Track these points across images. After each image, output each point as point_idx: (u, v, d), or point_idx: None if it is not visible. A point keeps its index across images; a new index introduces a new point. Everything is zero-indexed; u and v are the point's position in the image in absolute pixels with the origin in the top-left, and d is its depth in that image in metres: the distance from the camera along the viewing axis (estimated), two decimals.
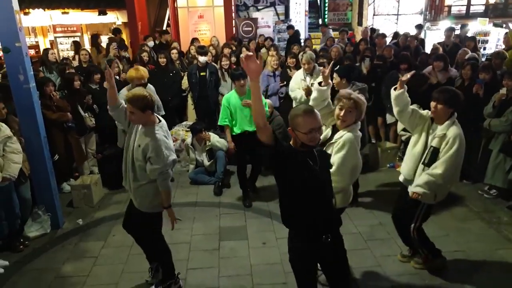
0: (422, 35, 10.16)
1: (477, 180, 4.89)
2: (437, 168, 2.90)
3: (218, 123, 4.75)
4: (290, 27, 10.24)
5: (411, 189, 3.03)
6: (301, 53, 5.78)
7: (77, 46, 7.84)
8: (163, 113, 4.86)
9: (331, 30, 10.62)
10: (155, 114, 2.95)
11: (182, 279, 3.37)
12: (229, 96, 4.56)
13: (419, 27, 9.28)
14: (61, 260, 3.74)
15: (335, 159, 2.77)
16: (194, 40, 8.32)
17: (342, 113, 2.78)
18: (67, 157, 5.00)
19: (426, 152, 2.98)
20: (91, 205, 4.74)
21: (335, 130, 2.94)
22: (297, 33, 9.97)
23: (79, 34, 11.04)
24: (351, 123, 2.82)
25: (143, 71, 4.83)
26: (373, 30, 7.89)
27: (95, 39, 8.54)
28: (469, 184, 4.96)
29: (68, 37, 10.84)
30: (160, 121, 2.95)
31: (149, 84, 4.90)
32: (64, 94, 5.10)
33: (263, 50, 8.17)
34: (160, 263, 3.23)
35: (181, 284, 3.26)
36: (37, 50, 10.81)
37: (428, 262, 3.33)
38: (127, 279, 3.42)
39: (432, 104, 2.96)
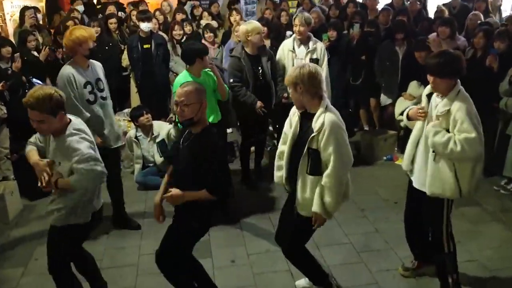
0: None
1: (493, 173, 5.06)
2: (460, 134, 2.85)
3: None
4: None
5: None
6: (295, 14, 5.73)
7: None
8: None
9: None
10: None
11: None
12: (181, 80, 4.09)
13: None
14: None
15: (326, 154, 2.84)
16: (139, 3, 8.14)
17: (290, 93, 3.01)
18: None
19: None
20: (5, 221, 4.61)
21: (304, 118, 2.99)
22: None
23: None
24: (309, 101, 2.91)
25: (89, 29, 4.24)
26: None
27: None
28: (483, 178, 5.09)
29: None
30: (70, 120, 2.87)
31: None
32: None
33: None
34: None
35: None
36: None
37: None
38: None
39: (429, 77, 2.97)
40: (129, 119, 5.83)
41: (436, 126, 2.91)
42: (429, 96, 3.11)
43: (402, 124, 5.58)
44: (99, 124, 3.96)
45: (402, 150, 5.60)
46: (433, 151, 2.96)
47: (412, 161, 3.22)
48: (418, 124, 3.16)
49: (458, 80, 2.98)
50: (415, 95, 5.18)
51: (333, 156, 2.82)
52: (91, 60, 4.04)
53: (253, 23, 4.98)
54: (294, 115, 3.07)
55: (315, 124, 2.85)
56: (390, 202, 4.71)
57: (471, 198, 3.32)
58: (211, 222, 3.20)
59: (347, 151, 2.92)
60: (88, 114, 3.83)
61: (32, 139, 3.03)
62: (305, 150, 2.90)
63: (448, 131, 2.91)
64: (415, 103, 5.18)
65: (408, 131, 5.21)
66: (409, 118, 3.20)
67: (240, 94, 4.80)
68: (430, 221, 3.18)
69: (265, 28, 5.92)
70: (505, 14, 8.35)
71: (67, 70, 3.86)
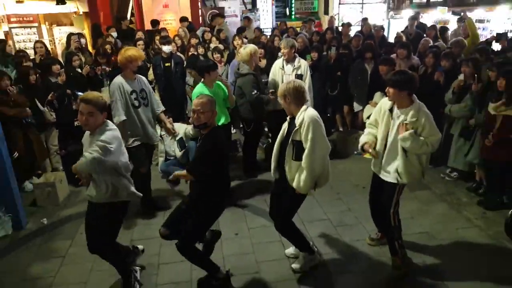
0: (385, 24, 10.40)
1: (440, 164, 5.10)
2: (430, 137, 2.96)
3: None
4: (246, 18, 10.18)
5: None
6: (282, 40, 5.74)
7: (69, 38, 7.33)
8: (163, 108, 4.39)
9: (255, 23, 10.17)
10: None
11: (153, 274, 3.35)
12: (199, 92, 4.24)
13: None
14: (25, 261, 3.61)
15: (306, 141, 2.89)
16: (161, 30, 8.13)
17: (281, 103, 3.04)
18: (28, 155, 4.80)
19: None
20: (56, 203, 4.58)
21: (291, 122, 3.05)
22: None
23: (36, 24, 10.47)
24: (295, 109, 2.99)
25: (139, 50, 4.33)
26: (349, 24, 7.94)
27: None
28: (432, 168, 5.15)
29: (24, 27, 10.29)
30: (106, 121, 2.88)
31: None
32: (21, 89, 4.86)
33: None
34: None
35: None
36: None
37: (403, 266, 3.22)
38: (97, 277, 3.36)
39: (389, 89, 3.00)
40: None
41: (412, 135, 2.94)
42: (390, 110, 3.11)
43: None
44: (142, 124, 4.01)
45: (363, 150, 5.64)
46: (405, 151, 3.01)
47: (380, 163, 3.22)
48: (381, 135, 3.16)
49: (414, 95, 3.01)
50: (378, 102, 5.20)
51: (310, 142, 2.88)
52: (137, 75, 4.07)
53: (253, 46, 4.99)
54: (285, 123, 3.14)
55: (297, 121, 2.94)
56: (359, 187, 4.74)
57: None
58: (221, 211, 3.15)
59: (322, 140, 2.94)
60: (124, 117, 3.85)
61: None
62: (289, 141, 2.98)
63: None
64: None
65: None
66: (363, 149, 3.28)
67: (263, 99, 4.86)
68: (385, 202, 3.20)
69: (262, 50, 5.96)
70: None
71: (118, 79, 3.92)
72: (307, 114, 2.91)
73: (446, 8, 9.07)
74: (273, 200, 3.34)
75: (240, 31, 8.01)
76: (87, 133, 2.90)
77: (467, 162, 4.59)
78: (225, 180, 3.11)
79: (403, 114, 2.99)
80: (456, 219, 4.06)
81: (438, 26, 7.83)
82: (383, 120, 3.15)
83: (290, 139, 2.98)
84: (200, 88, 4.38)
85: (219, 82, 4.51)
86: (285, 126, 3.12)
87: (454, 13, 8.49)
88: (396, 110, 3.07)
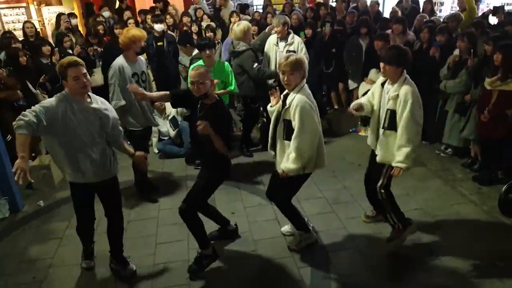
0: None
1: (435, 141, 5.09)
2: (401, 137, 2.86)
3: None
4: None
5: (395, 164, 2.95)
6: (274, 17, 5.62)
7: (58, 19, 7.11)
8: (154, 89, 4.45)
9: None
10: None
11: (151, 254, 3.36)
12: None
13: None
14: (23, 243, 3.60)
15: (294, 123, 2.85)
16: (154, 8, 7.90)
17: (285, 77, 2.89)
18: None
19: (384, 116, 2.99)
20: (52, 185, 4.56)
21: (285, 98, 3.00)
22: None
23: (24, 4, 10.17)
24: (298, 84, 2.89)
25: (142, 30, 3.99)
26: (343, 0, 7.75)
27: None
28: (427, 145, 5.16)
29: (13, 8, 10.00)
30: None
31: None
32: (11, 71, 4.74)
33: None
34: None
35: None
36: None
37: (399, 234, 3.23)
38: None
39: (381, 64, 2.94)
40: None
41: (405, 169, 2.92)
42: (382, 84, 3.08)
43: None
44: (142, 108, 3.85)
45: (364, 124, 5.62)
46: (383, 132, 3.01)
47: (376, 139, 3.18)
48: (375, 110, 3.13)
49: (405, 70, 2.94)
50: (374, 80, 5.11)
51: (298, 124, 2.83)
52: (138, 56, 3.88)
53: (247, 23, 4.88)
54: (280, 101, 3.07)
55: (288, 101, 2.90)
56: (355, 165, 4.74)
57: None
58: (229, 174, 3.21)
59: (311, 123, 2.86)
60: (123, 102, 3.69)
61: None
62: (280, 120, 2.95)
63: (394, 110, 2.89)
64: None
65: None
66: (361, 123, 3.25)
67: (266, 72, 4.77)
68: (375, 177, 3.20)
69: (256, 28, 5.83)
70: (445, 13, 8.25)
71: (119, 61, 3.70)
72: (297, 96, 2.85)
73: None
74: (273, 180, 3.31)
75: (245, 8, 7.82)
76: None
77: (462, 138, 4.58)
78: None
79: (391, 88, 2.94)
80: (451, 195, 4.07)
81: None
82: (377, 95, 3.11)
83: (281, 118, 2.94)
84: (195, 65, 4.21)
85: (225, 64, 4.44)
86: (279, 103, 3.06)
87: None
88: (386, 85, 3.03)
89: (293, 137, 2.87)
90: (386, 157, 3.04)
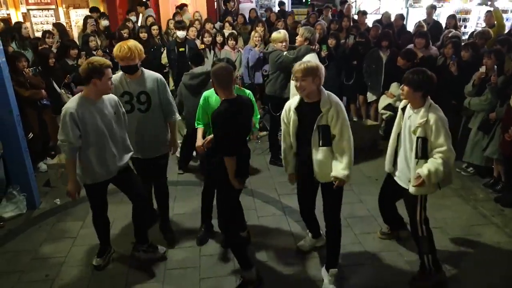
0: (404, 13, 10.06)
1: (456, 159, 4.93)
2: (438, 157, 2.69)
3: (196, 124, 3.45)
4: (282, 3, 10.06)
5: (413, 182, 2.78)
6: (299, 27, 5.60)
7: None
8: (177, 118, 3.44)
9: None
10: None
11: (162, 259, 3.33)
12: (209, 96, 3.33)
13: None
14: (38, 241, 3.63)
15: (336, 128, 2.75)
16: (176, 14, 8.02)
17: (297, 83, 2.74)
18: (43, 136, 4.81)
19: (415, 145, 2.78)
20: None
21: (303, 107, 2.87)
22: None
23: (53, 6, 10.47)
24: (314, 90, 2.75)
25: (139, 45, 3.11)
26: (364, 12, 7.69)
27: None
28: None
29: (42, 9, 10.30)
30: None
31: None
32: (38, 71, 4.86)
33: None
34: None
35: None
36: (9, 23, 10.24)
37: (429, 280, 2.95)
38: None
39: (404, 87, 2.80)
40: None
41: (425, 180, 2.70)
42: (403, 109, 2.96)
43: (384, 116, 5.53)
44: (131, 133, 3.13)
45: (382, 137, 5.52)
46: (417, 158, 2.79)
47: (394, 164, 3.08)
48: (393, 135, 3.03)
49: (429, 97, 2.79)
50: (395, 93, 5.05)
51: (343, 127, 2.74)
52: (148, 72, 3.19)
53: (286, 33, 4.91)
54: (289, 111, 2.89)
55: (323, 106, 2.73)
56: (372, 179, 4.63)
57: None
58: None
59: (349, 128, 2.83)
60: None
61: None
62: (314, 128, 2.76)
63: (425, 138, 2.73)
64: (394, 101, 5.09)
65: (388, 122, 5.16)
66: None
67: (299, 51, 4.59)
68: (408, 210, 3.01)
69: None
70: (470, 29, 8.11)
71: (116, 76, 3.10)
72: (333, 98, 2.78)
73: None
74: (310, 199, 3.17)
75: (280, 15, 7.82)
76: None
77: (484, 157, 4.42)
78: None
79: (415, 114, 2.79)
80: (472, 215, 3.93)
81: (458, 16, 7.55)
82: (397, 119, 3.02)
83: (315, 125, 2.76)
84: (209, 92, 3.34)
85: (245, 91, 3.53)
86: (294, 114, 2.86)
87: (480, 3, 8.18)
88: (408, 110, 2.89)
89: (344, 138, 2.76)
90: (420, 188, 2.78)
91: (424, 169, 2.71)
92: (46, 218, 4.01)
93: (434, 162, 2.70)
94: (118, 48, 2.98)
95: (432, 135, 2.70)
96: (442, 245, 3.43)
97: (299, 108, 2.84)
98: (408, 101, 2.88)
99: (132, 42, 3.06)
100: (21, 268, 3.27)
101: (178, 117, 3.41)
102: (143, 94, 3.12)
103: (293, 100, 2.92)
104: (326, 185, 2.93)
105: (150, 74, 3.19)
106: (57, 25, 6.99)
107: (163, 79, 3.28)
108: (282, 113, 2.95)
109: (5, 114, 3.82)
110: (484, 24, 7.28)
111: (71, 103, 2.75)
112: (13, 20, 8.72)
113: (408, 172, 2.88)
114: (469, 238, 3.55)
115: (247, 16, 8.46)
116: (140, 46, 3.05)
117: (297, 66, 2.77)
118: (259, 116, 3.85)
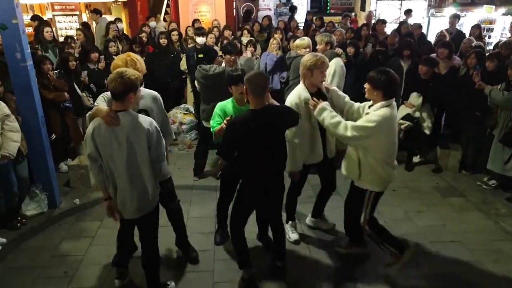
0: (425, 22, 10.03)
1: (477, 171, 4.88)
2: (349, 126, 2.91)
3: (211, 130, 3.42)
4: (293, 8, 10.14)
5: None
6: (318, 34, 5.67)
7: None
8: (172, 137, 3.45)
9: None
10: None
11: (176, 262, 3.41)
12: (225, 105, 3.39)
13: (408, 11, 9.20)
14: (58, 239, 3.76)
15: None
16: (195, 21, 8.20)
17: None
18: (64, 137, 4.98)
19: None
20: (88, 185, 4.73)
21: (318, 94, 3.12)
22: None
23: (77, 12, 10.84)
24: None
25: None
26: (383, 21, 7.72)
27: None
28: (468, 175, 4.95)
29: (67, 15, 10.67)
30: None
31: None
32: (61, 74, 5.04)
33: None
34: None
35: None
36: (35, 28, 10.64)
37: (399, 259, 3.13)
38: None
39: (366, 84, 2.95)
40: (185, 112, 5.88)
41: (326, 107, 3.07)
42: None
43: (402, 127, 5.50)
44: None
45: (401, 148, 5.47)
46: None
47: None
48: None
49: (392, 100, 2.89)
50: (414, 104, 5.03)
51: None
52: (145, 91, 2.96)
53: (309, 41, 5.03)
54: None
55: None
56: (389, 189, 4.56)
57: None
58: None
59: None
60: None
61: None
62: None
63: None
64: (413, 111, 5.06)
65: (407, 132, 5.12)
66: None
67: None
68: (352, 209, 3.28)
69: None
70: (495, 40, 8.00)
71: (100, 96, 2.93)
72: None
73: (494, 7, 8.62)
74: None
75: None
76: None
77: (505, 168, 4.35)
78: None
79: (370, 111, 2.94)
80: (493, 230, 3.86)
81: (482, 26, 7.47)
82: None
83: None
84: (226, 102, 3.41)
85: None
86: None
87: (505, 13, 8.08)
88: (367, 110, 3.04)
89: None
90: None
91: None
92: (66, 217, 4.15)
93: (341, 122, 2.92)
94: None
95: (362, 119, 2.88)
96: (461, 259, 3.40)
97: None
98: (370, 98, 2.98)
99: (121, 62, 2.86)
100: (41, 264, 3.40)
101: (173, 137, 3.48)
102: (142, 112, 2.83)
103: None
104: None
105: (148, 92, 2.99)
106: (84, 25, 7.25)
107: (160, 97, 3.08)
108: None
109: (30, 115, 3.99)
110: (509, 35, 7.21)
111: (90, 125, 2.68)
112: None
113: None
114: (489, 254, 3.48)
115: None
116: (134, 59, 2.89)
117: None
118: None
